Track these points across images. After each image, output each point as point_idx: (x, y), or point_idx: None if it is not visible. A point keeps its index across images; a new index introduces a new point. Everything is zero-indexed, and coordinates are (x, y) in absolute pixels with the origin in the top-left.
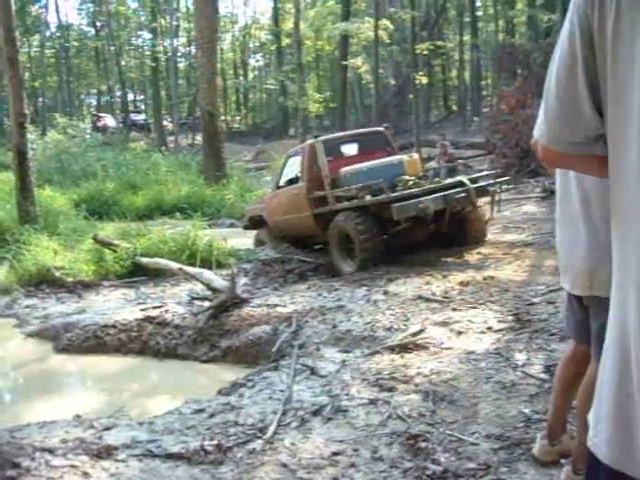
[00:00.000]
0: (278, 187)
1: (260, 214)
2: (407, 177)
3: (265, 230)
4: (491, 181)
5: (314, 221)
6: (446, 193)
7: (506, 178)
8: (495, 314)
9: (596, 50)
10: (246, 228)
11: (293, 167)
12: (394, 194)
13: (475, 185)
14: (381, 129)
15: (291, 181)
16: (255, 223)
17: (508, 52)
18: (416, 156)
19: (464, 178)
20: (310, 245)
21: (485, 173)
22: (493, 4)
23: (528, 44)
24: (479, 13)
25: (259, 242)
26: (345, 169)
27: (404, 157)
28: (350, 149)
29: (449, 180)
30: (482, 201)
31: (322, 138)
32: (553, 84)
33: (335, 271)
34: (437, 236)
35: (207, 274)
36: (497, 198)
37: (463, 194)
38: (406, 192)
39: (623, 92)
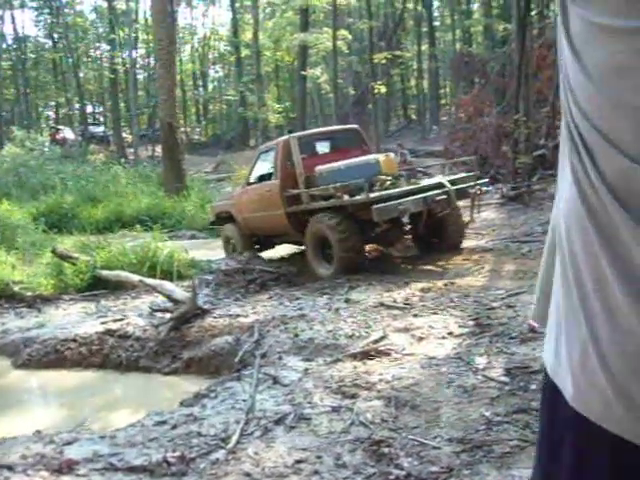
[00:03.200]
0: (249, 183)
1: (228, 210)
2: (384, 177)
3: (232, 226)
4: (471, 183)
5: (287, 219)
6: (426, 195)
7: (485, 180)
8: (456, 319)
9: None
10: (212, 224)
11: (265, 163)
12: (374, 195)
13: (455, 187)
14: (356, 126)
15: (262, 178)
16: (222, 219)
17: (465, 61)
18: (392, 155)
19: (444, 179)
20: (279, 242)
21: (464, 175)
22: (450, 14)
23: (485, 53)
24: (436, 23)
25: (227, 239)
26: (321, 167)
27: (380, 156)
28: (324, 146)
29: (428, 181)
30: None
31: (297, 134)
32: None
33: (311, 274)
34: (414, 239)
35: (168, 285)
36: (477, 200)
37: (443, 196)
38: (385, 193)
39: None
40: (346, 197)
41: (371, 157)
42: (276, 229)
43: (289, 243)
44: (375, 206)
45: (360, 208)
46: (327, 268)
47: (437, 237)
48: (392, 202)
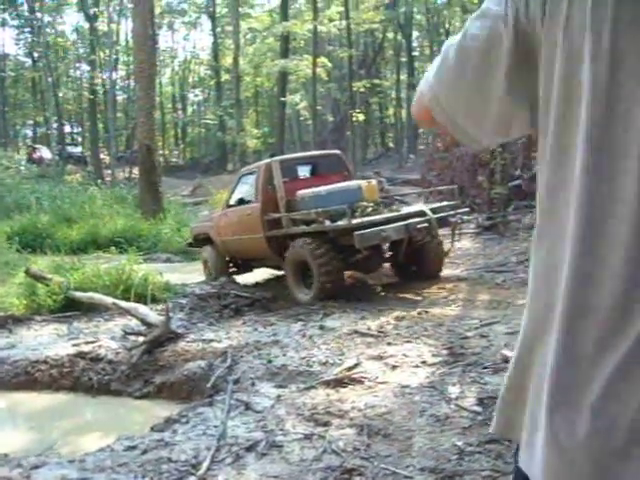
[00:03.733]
0: (228, 206)
1: (206, 232)
2: (365, 203)
3: (210, 249)
4: (452, 212)
5: (266, 243)
6: (408, 222)
7: (466, 209)
8: (429, 348)
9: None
10: (190, 246)
11: (246, 186)
12: (356, 221)
13: (437, 215)
14: (338, 152)
15: (243, 201)
16: (200, 241)
17: None
18: (374, 182)
19: (425, 207)
20: (257, 266)
21: (445, 203)
22: (429, 44)
23: None
24: (416, 53)
25: (205, 261)
26: (302, 192)
27: (362, 182)
28: (306, 171)
29: (409, 209)
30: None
31: (279, 158)
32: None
33: (291, 298)
34: (394, 267)
35: (142, 309)
36: (457, 229)
37: (425, 224)
38: (367, 220)
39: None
40: (327, 222)
41: (353, 183)
42: (255, 252)
43: (267, 267)
44: (357, 232)
45: (342, 234)
46: (306, 293)
47: (417, 265)
48: (374, 229)
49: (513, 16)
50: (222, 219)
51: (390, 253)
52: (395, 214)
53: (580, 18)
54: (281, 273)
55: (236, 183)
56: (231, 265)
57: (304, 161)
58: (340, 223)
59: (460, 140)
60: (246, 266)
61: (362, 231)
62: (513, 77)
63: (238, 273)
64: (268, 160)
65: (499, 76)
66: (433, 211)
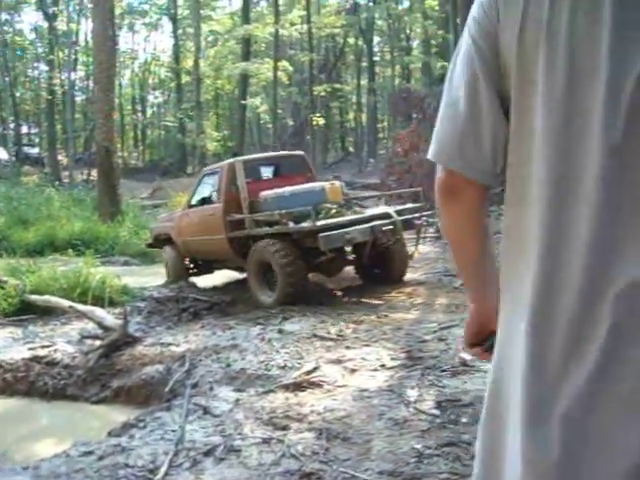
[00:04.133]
0: (190, 206)
1: (167, 233)
2: (329, 205)
3: (170, 249)
4: (416, 214)
5: (229, 244)
6: (373, 224)
7: (430, 212)
8: (388, 352)
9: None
10: (150, 246)
11: (208, 186)
12: (321, 223)
13: (402, 217)
14: (301, 153)
15: (205, 201)
16: (161, 242)
17: (404, 97)
18: (338, 184)
19: (390, 209)
20: (218, 268)
21: (410, 206)
22: (390, 50)
23: (423, 90)
24: (376, 58)
25: (167, 262)
26: (266, 193)
27: (326, 184)
28: (269, 172)
29: (374, 211)
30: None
31: (242, 158)
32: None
33: (251, 302)
34: (357, 270)
35: (99, 312)
36: (422, 232)
37: (390, 226)
38: (332, 221)
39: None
40: (291, 224)
41: (317, 185)
42: (217, 253)
43: (228, 269)
44: (322, 234)
45: (306, 235)
46: (269, 295)
47: (381, 268)
48: (339, 231)
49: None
50: (183, 219)
51: (353, 256)
52: (360, 216)
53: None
54: (241, 276)
55: (198, 183)
56: (191, 266)
57: (267, 162)
58: (304, 225)
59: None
60: (206, 267)
61: (327, 233)
62: (494, 81)
63: (198, 274)
64: (231, 160)
65: (482, 89)
66: (398, 213)
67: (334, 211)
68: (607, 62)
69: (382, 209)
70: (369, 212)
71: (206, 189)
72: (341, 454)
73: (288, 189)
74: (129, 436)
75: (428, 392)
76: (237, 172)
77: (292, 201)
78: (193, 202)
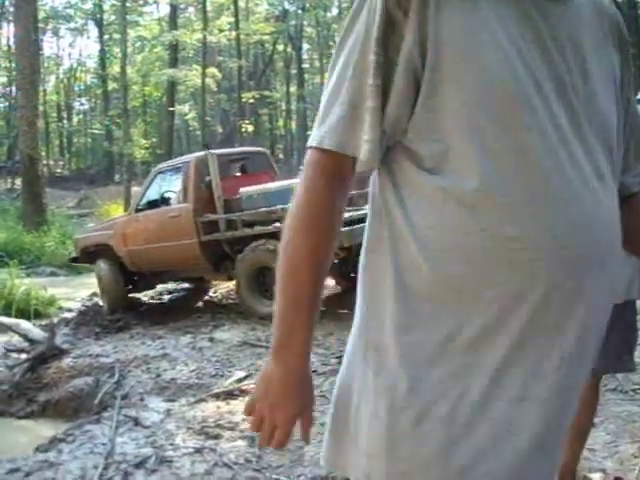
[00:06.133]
0: (138, 210)
1: (104, 243)
2: None
3: (106, 264)
4: None
5: (200, 250)
6: None
7: None
8: (320, 357)
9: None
10: (74, 261)
11: (165, 185)
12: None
13: None
14: (264, 150)
15: (159, 202)
16: (89, 255)
17: None
18: None
19: None
20: (166, 280)
21: None
22: (319, 57)
23: None
24: (305, 65)
25: (99, 278)
26: (247, 189)
27: None
28: (235, 168)
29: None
30: None
31: (215, 152)
32: None
33: (247, 313)
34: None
35: (24, 324)
36: None
37: None
38: (352, 215)
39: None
40: (277, 223)
41: (296, 181)
42: (179, 262)
43: (183, 280)
44: (345, 228)
45: None
46: (268, 305)
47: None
48: (360, 225)
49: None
50: (130, 225)
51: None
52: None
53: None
54: (171, 286)
55: (149, 182)
56: (133, 280)
57: (235, 157)
58: None
59: None
60: (149, 282)
61: (350, 227)
62: None
63: (136, 291)
64: (200, 154)
65: None
66: None
67: None
68: None
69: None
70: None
71: (162, 189)
72: (273, 461)
73: (274, 185)
74: (57, 451)
75: None
76: (211, 167)
77: (279, 197)
78: (142, 205)
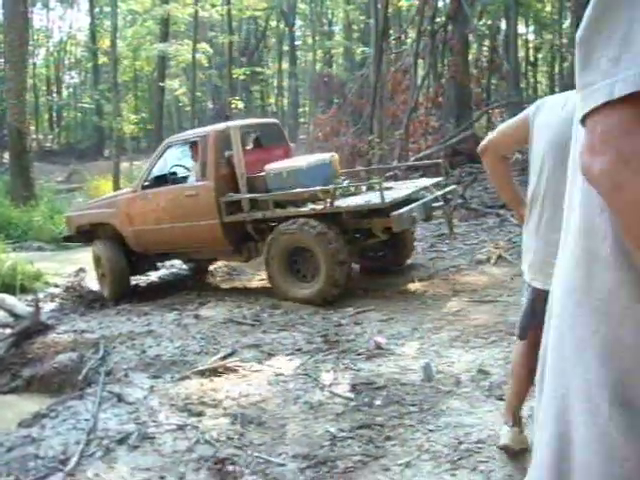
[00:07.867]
0: (144, 187)
1: (105, 222)
2: (339, 180)
3: (106, 245)
4: (444, 190)
5: (222, 232)
6: (425, 201)
7: (453, 187)
8: (304, 336)
9: None
10: (67, 240)
11: (177, 160)
12: (388, 199)
13: (441, 192)
14: (276, 121)
15: (169, 179)
16: (85, 234)
17: (325, 81)
18: (336, 155)
19: (428, 183)
20: (168, 260)
21: (439, 179)
22: (312, 35)
23: (344, 75)
24: (298, 42)
25: (98, 260)
26: (273, 166)
27: (330, 155)
28: (249, 142)
29: (418, 184)
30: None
31: (236, 123)
32: None
33: (279, 296)
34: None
35: (9, 299)
36: (451, 211)
37: (439, 202)
38: (400, 197)
39: None
40: (310, 204)
41: (326, 156)
42: (198, 244)
43: (191, 261)
44: (395, 212)
45: (364, 216)
46: (306, 287)
47: (387, 253)
48: (406, 209)
49: None
50: (136, 203)
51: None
52: (413, 190)
53: None
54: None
55: (158, 156)
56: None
57: (249, 129)
58: (374, 201)
59: None
60: (151, 263)
61: (399, 211)
62: None
63: (137, 273)
64: (221, 125)
65: None
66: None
67: (353, 188)
68: None
69: (422, 183)
70: (419, 185)
71: (172, 164)
72: (256, 439)
73: (304, 161)
74: (40, 426)
75: (343, 375)
76: (233, 141)
77: (311, 175)
78: (148, 182)
